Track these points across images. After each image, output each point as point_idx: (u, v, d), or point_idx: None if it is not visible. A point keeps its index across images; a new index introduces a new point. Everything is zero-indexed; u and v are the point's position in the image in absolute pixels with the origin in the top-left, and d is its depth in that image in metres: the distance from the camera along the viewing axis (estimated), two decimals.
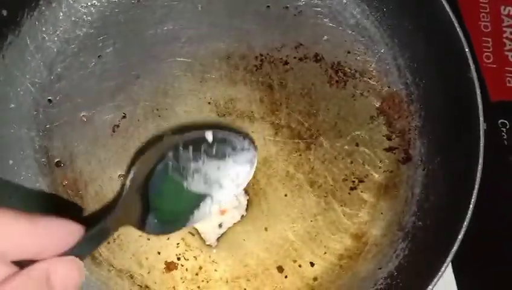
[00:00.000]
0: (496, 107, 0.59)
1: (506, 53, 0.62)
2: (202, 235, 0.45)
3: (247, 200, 0.47)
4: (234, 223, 0.46)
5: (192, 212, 0.42)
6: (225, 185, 0.43)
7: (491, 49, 0.63)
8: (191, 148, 0.43)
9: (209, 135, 0.44)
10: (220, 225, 0.46)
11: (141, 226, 0.40)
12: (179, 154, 0.43)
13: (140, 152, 0.47)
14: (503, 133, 0.60)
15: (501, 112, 0.60)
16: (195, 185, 0.43)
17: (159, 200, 0.42)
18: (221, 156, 0.44)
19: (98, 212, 0.46)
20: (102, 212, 0.46)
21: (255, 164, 0.45)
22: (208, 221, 0.45)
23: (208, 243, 0.45)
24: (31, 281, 0.23)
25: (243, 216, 0.46)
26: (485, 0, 0.65)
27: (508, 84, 0.62)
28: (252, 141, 0.46)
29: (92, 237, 0.33)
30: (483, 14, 0.64)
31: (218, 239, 0.46)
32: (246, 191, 0.47)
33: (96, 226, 0.35)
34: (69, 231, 0.26)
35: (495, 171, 0.55)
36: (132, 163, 0.47)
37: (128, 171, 0.46)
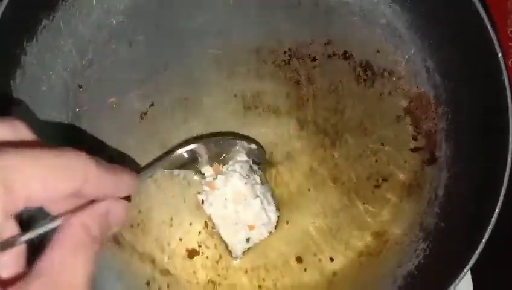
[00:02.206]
0: None
1: None
2: (229, 248, 0.45)
3: (278, 216, 0.47)
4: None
5: None
6: None
7: None
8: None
9: None
10: (248, 240, 0.45)
11: None
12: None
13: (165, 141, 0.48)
14: None
15: None
16: None
17: None
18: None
19: None
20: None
21: None
22: (236, 234, 0.45)
23: (233, 255, 0.46)
24: (97, 215, 0.27)
25: (270, 233, 0.46)
26: None
27: None
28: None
29: None
30: (510, 20, 0.64)
31: (244, 253, 0.46)
32: (278, 207, 0.47)
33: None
34: (134, 182, 0.31)
35: None
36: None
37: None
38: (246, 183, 0.44)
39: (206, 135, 0.49)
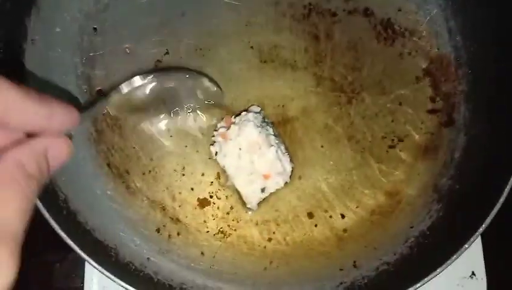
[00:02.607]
0: None
1: None
2: (244, 198, 0.45)
3: (292, 167, 0.46)
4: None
5: None
6: None
7: None
8: None
9: None
10: (263, 190, 0.45)
11: None
12: None
13: None
14: None
15: None
16: None
17: None
18: None
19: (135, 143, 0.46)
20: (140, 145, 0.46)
21: None
22: (251, 184, 0.44)
23: (248, 206, 0.45)
24: (33, 151, 0.26)
25: (286, 183, 0.45)
26: None
27: None
28: None
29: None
30: None
31: (259, 203, 0.45)
32: (291, 159, 0.46)
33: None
34: (71, 117, 0.28)
35: None
36: None
37: None
38: (260, 132, 0.43)
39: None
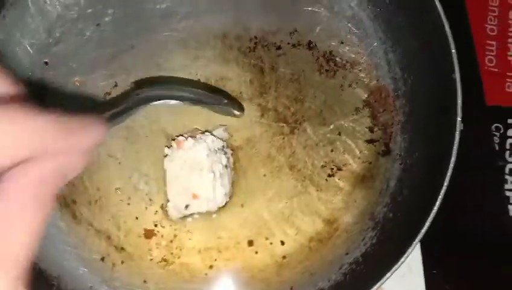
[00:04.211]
0: (491, 112, 0.60)
1: (510, 58, 0.62)
2: (167, 207, 0.47)
3: (226, 202, 0.48)
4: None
5: None
6: None
7: (494, 53, 0.63)
8: None
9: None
10: (186, 207, 0.47)
11: None
12: None
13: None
14: (495, 138, 0.60)
15: (495, 117, 0.60)
16: None
17: None
18: None
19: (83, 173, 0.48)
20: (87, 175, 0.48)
21: None
22: (179, 196, 0.46)
23: (169, 215, 0.47)
24: (58, 167, 0.23)
25: (209, 212, 0.48)
26: (495, 3, 0.65)
27: (507, 90, 0.62)
28: None
29: None
30: (491, 17, 0.64)
31: (181, 218, 0.47)
32: (230, 195, 0.48)
33: None
34: (98, 136, 0.25)
35: (483, 174, 0.56)
36: None
37: None
38: (208, 156, 0.46)
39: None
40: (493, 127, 0.60)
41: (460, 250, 0.55)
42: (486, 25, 0.64)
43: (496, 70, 0.62)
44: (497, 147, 0.59)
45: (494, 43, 0.63)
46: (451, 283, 0.54)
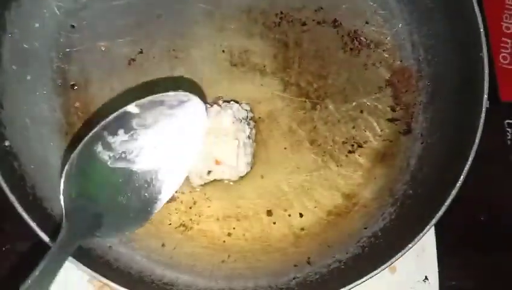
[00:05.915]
0: (505, 107, 0.60)
1: None
2: (189, 175, 0.46)
3: (247, 173, 0.48)
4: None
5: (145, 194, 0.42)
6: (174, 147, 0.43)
7: (509, 50, 0.63)
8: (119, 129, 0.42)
9: (132, 108, 0.42)
10: (209, 172, 0.47)
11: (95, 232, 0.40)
12: (108, 141, 0.41)
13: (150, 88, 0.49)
14: (508, 134, 0.60)
15: (509, 112, 0.60)
16: (140, 163, 0.42)
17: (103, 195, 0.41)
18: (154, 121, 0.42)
19: None
20: None
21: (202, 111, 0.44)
22: (202, 161, 0.46)
23: (190, 181, 0.47)
24: None
25: (229, 180, 0.47)
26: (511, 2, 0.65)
27: None
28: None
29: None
30: (506, 15, 0.64)
31: (203, 185, 0.47)
32: (251, 165, 0.48)
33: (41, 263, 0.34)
34: None
35: (495, 168, 0.56)
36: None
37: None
38: (233, 123, 0.45)
39: None
40: (506, 122, 0.60)
41: (471, 241, 0.55)
42: (502, 23, 0.64)
43: (510, 67, 0.62)
44: (509, 143, 0.59)
45: (509, 40, 0.64)
46: (464, 270, 0.54)
